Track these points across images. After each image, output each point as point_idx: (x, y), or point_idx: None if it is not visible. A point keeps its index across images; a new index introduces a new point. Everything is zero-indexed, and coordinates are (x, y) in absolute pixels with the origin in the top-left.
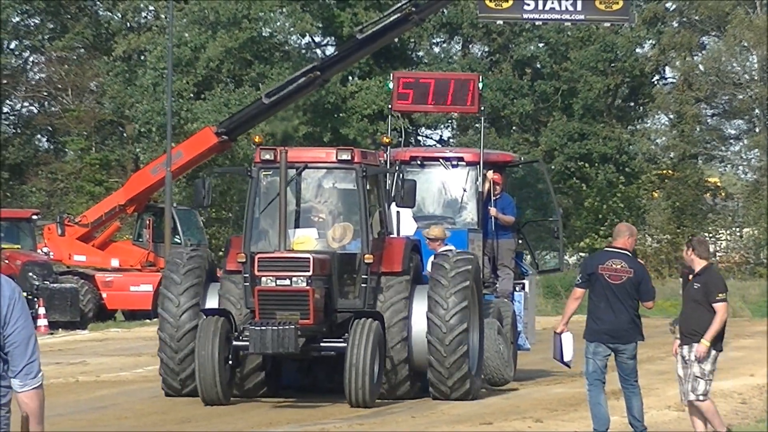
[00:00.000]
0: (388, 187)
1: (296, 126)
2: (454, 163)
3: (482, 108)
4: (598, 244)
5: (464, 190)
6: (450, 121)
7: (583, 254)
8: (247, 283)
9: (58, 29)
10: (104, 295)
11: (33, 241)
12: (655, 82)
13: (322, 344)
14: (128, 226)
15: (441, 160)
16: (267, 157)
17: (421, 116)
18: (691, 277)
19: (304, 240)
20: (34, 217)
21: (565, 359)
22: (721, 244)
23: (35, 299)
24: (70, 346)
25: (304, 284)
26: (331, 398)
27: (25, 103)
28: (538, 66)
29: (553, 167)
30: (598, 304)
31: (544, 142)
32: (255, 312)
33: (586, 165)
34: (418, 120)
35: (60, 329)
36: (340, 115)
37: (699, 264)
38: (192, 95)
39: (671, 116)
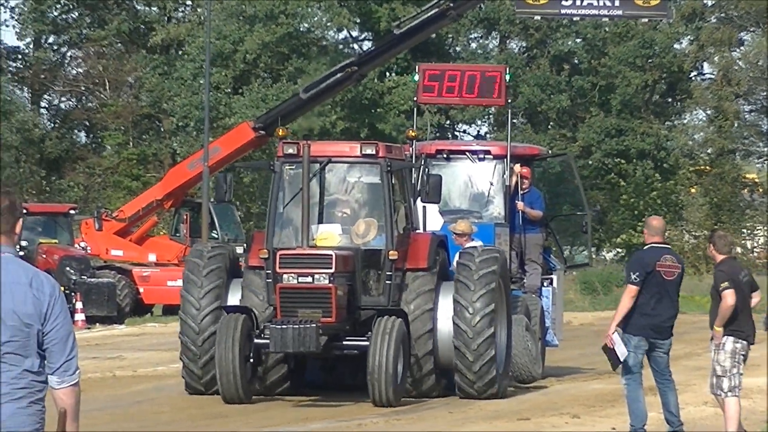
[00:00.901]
0: (413, 182)
1: (333, 121)
2: (481, 156)
3: (509, 101)
4: (636, 240)
5: (491, 184)
6: (488, 116)
7: (620, 250)
8: (270, 280)
9: (96, 23)
10: (141, 290)
11: (70, 236)
12: (693, 78)
13: (344, 343)
14: (165, 221)
15: (467, 153)
16: (290, 151)
17: (458, 112)
18: None
19: (328, 236)
20: (72, 211)
21: (622, 359)
22: (759, 239)
23: (72, 294)
24: (107, 340)
25: (327, 281)
26: (358, 396)
27: (63, 98)
28: (576, 62)
29: (590, 163)
30: (649, 300)
31: (581, 138)
32: (276, 310)
33: (623, 162)
34: (455, 116)
35: (97, 324)
36: (377, 110)
37: (719, 258)
38: (229, 90)
39: (709, 112)
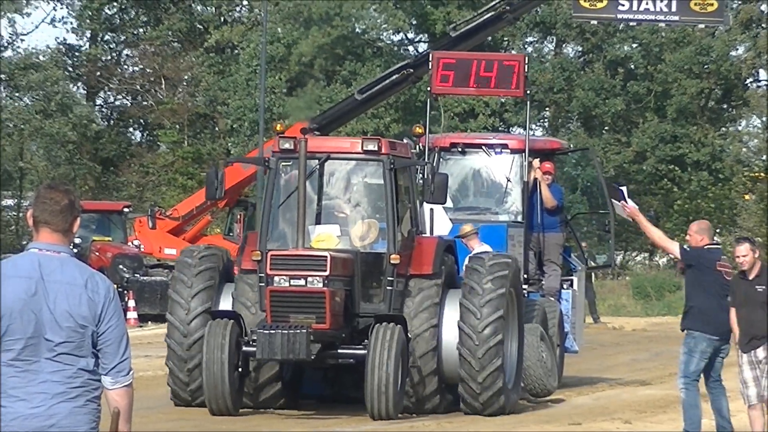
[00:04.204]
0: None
1: (387, 123)
2: (498, 150)
3: (528, 92)
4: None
5: (508, 179)
6: (542, 120)
7: (671, 256)
8: (262, 283)
9: (152, 22)
10: None
11: (124, 234)
12: (749, 85)
13: (339, 351)
14: (219, 220)
15: (483, 146)
16: (286, 146)
17: (512, 115)
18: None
19: (325, 237)
20: (126, 209)
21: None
22: None
23: (125, 292)
24: (159, 339)
25: (320, 285)
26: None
27: (119, 96)
28: (632, 67)
29: (644, 169)
30: (712, 302)
31: (635, 143)
32: (267, 314)
33: (677, 168)
34: (509, 119)
35: (149, 322)
36: (432, 113)
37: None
38: (284, 91)
39: (764, 119)
